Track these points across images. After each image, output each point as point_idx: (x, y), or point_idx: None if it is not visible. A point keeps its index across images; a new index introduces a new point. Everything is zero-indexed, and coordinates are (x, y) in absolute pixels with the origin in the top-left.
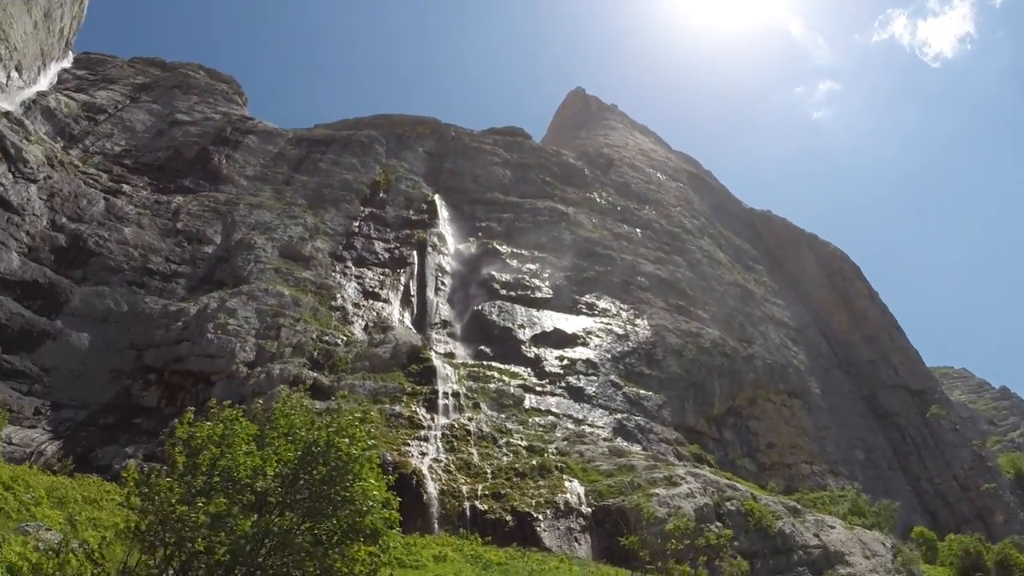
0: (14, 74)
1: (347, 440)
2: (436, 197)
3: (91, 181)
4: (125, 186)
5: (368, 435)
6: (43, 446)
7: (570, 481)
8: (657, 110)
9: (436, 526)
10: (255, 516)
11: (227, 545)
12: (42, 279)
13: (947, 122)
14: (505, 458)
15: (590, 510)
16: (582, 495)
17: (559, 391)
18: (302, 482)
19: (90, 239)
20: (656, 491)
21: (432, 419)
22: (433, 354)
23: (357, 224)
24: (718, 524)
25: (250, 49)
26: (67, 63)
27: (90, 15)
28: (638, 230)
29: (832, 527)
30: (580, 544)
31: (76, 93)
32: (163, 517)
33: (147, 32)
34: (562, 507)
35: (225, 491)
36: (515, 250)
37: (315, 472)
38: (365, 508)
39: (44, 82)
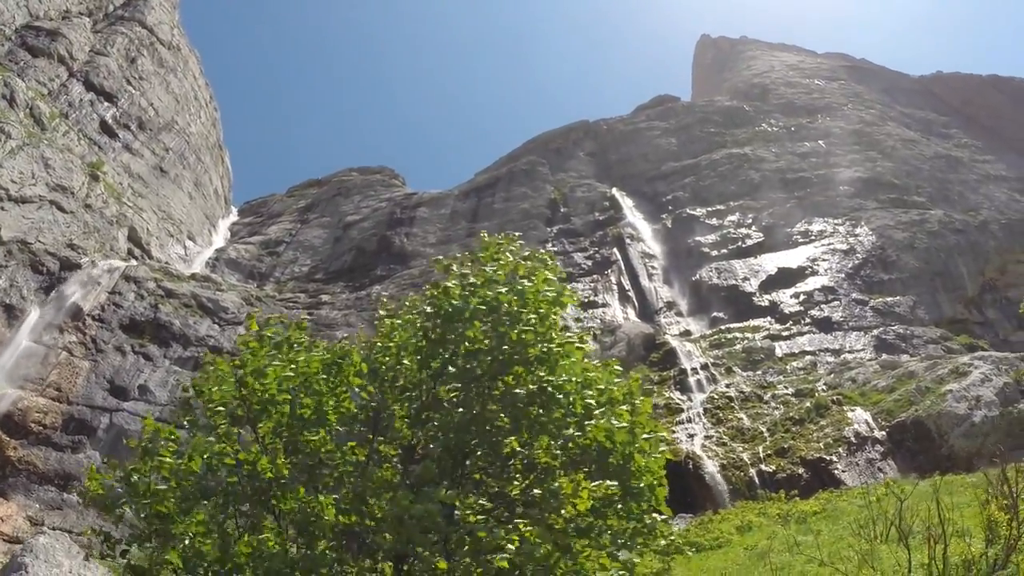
0: (188, 243)
1: (504, 289)
2: (614, 191)
3: (291, 304)
4: (324, 296)
5: (556, 285)
6: None
7: (852, 411)
8: (783, 21)
9: (727, 502)
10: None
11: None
12: None
13: None
14: (776, 411)
15: (884, 433)
16: (870, 420)
17: (806, 328)
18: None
19: None
20: (947, 387)
21: (688, 398)
22: (668, 337)
23: (550, 245)
24: None
25: (392, 134)
26: (233, 217)
27: (237, 168)
28: (820, 142)
29: None
30: (885, 473)
31: (251, 238)
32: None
33: (292, 162)
34: (853, 440)
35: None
36: (710, 208)
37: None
38: (570, 405)
39: (219, 240)
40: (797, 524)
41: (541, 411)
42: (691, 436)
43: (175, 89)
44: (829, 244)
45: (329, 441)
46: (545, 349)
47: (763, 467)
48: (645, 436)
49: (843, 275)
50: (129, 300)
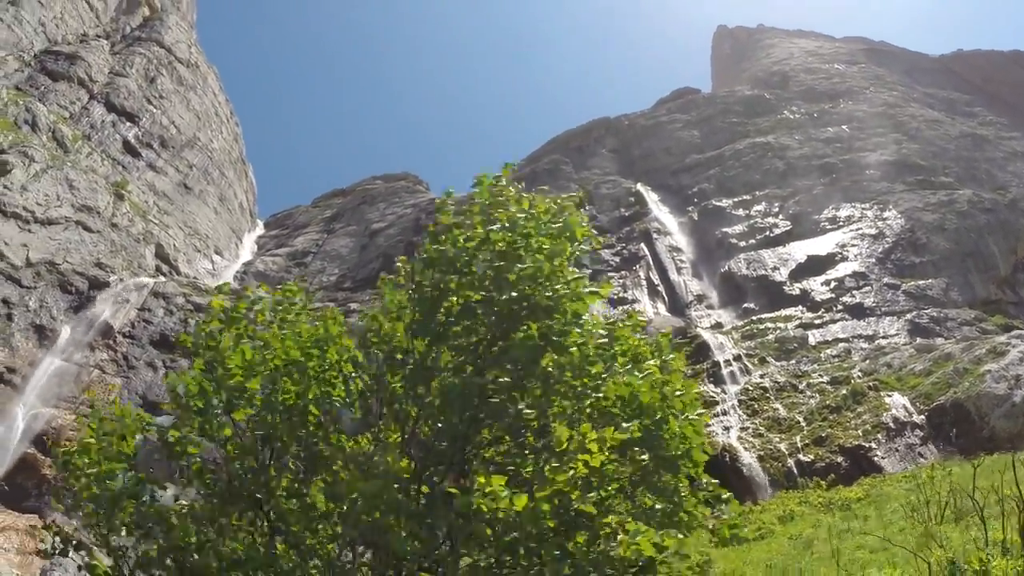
0: (216, 257)
1: (496, 227)
2: (638, 186)
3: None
4: (352, 304)
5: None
6: None
7: (889, 396)
8: (799, 7)
9: (767, 493)
10: None
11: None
12: None
13: None
14: (812, 400)
15: (922, 417)
16: (908, 405)
17: (838, 315)
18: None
19: None
20: (985, 368)
21: (723, 390)
22: (700, 330)
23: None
24: None
25: (405, 137)
26: (259, 231)
27: (261, 183)
28: (844, 126)
29: None
30: (925, 458)
31: (278, 250)
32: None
33: (311, 171)
34: (892, 425)
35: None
36: (735, 199)
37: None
38: (584, 355)
39: (246, 254)
40: (841, 511)
41: (549, 367)
42: (727, 428)
43: (195, 106)
44: (858, 229)
45: (329, 434)
46: (552, 294)
47: (801, 456)
48: (678, 393)
49: (873, 260)
50: (159, 316)
